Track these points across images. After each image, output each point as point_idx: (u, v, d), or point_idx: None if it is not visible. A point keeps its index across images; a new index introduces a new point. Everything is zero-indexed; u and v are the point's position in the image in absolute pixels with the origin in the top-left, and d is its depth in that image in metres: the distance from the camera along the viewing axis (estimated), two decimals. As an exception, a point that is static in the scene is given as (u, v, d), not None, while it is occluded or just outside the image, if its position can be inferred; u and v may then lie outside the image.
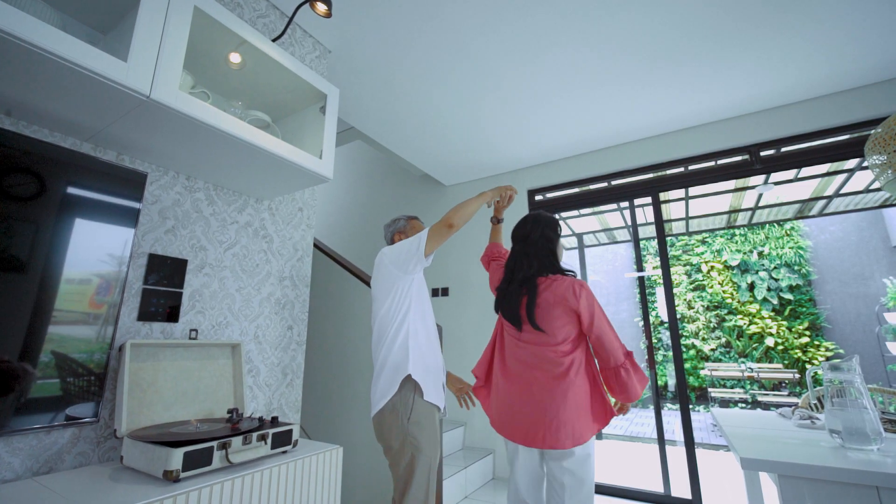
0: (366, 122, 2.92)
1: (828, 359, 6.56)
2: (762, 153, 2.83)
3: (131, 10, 1.12)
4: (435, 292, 3.88)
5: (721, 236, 8.07)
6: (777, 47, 2.18)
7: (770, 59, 2.27)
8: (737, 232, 7.95)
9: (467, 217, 1.50)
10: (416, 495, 1.32)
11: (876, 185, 4.65)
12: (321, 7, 1.47)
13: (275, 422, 1.27)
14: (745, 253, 7.82)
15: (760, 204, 5.65)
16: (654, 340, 7.90)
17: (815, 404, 1.73)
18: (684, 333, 7.83)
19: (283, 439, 1.22)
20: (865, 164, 1.64)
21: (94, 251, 1.19)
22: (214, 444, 1.03)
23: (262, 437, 1.16)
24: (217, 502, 0.97)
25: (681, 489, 2.77)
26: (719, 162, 2.98)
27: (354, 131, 3.18)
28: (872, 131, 1.62)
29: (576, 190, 3.53)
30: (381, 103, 2.70)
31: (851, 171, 4.44)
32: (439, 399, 1.50)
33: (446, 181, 3.98)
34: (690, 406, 7.17)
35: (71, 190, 1.13)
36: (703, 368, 7.41)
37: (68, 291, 1.13)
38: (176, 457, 0.95)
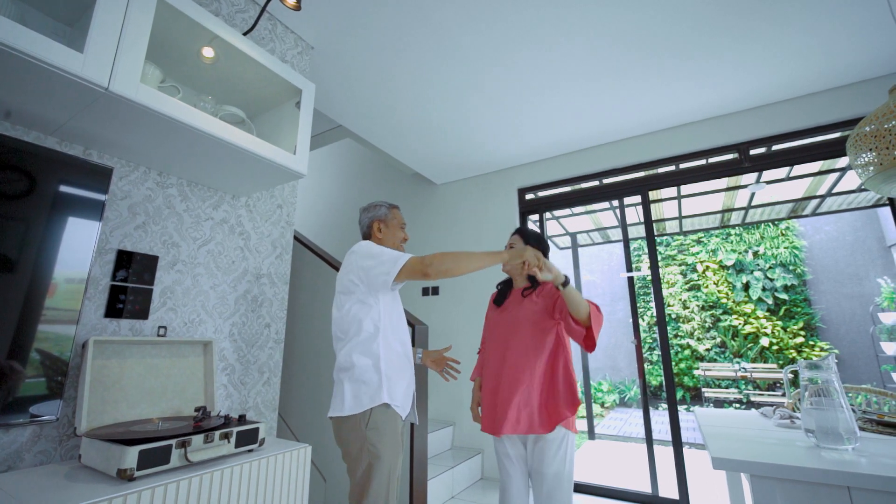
0: (354, 120, 2.91)
1: (822, 359, 6.52)
2: (751, 151, 2.81)
3: (94, 2, 1.10)
4: (425, 291, 3.86)
5: (716, 236, 8.05)
6: (769, 42, 2.15)
7: (762, 54, 2.24)
8: (732, 232, 7.93)
9: (452, 274, 1.34)
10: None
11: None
12: None
13: (242, 420, 1.25)
14: (740, 253, 7.79)
15: (753, 203, 5.63)
16: (651, 340, 7.88)
17: (791, 403, 1.72)
18: (679, 333, 7.80)
19: (248, 438, 1.20)
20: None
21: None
22: (173, 442, 1.01)
23: (226, 436, 1.14)
24: (173, 502, 0.96)
25: (669, 489, 2.75)
26: (710, 160, 2.97)
27: (343, 129, 3.16)
28: (851, 131, 1.59)
29: (566, 189, 3.52)
30: (370, 101, 2.68)
31: (843, 170, 4.42)
32: (404, 407, 1.41)
33: (437, 180, 3.96)
34: (685, 406, 7.20)
35: (49, 187, 1.12)
36: (697, 368, 7.39)
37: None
38: (130, 455, 0.93)
